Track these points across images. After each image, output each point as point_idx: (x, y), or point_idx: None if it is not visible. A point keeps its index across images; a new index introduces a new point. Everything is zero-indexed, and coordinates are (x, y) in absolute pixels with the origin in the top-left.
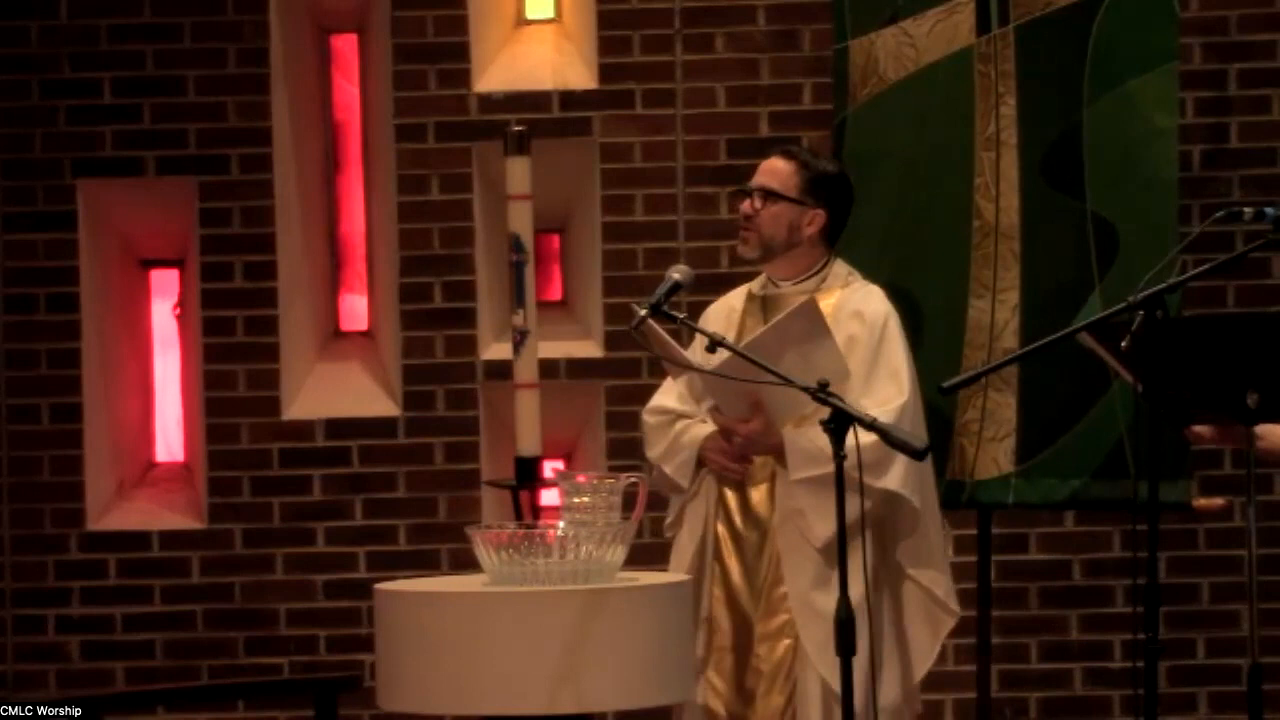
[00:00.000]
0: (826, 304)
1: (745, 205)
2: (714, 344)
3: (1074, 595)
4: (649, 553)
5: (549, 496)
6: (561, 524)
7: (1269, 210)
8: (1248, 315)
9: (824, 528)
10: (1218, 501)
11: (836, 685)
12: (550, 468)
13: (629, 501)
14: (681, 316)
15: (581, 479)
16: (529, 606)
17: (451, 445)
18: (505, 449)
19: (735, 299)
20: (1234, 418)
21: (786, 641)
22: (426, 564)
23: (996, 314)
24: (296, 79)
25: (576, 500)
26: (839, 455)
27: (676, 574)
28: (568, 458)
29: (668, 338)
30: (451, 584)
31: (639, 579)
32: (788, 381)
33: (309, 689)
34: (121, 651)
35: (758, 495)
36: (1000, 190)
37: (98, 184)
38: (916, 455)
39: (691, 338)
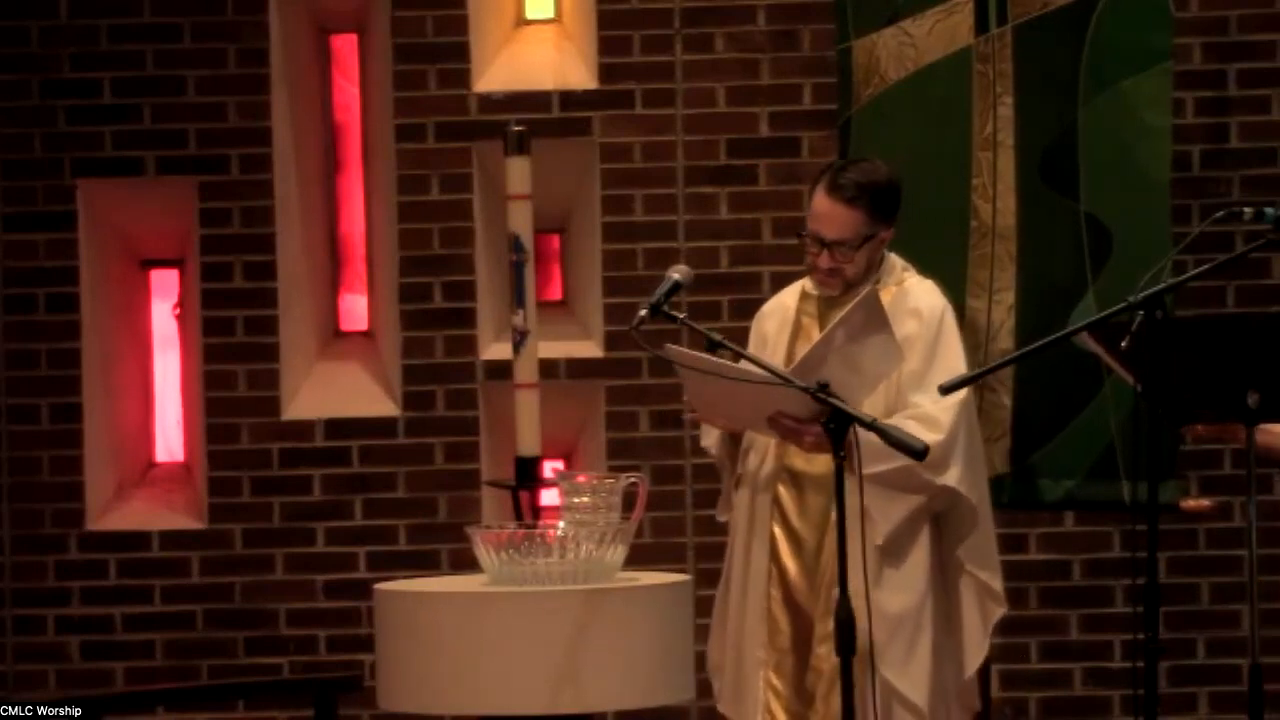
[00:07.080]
0: (883, 299)
1: (823, 261)
2: (713, 344)
3: (1074, 595)
4: (649, 553)
5: (549, 496)
6: (561, 524)
7: (1269, 210)
8: (1247, 315)
9: (886, 525)
10: (1205, 503)
11: (898, 684)
12: (550, 468)
13: (629, 501)
14: (681, 316)
15: (581, 479)
16: (529, 606)
17: (451, 445)
18: (505, 449)
19: (789, 296)
20: (1234, 418)
21: None
22: (426, 564)
23: (993, 314)
24: (296, 79)
25: (576, 500)
26: (838, 455)
27: (676, 574)
28: (568, 458)
29: (700, 355)
30: (451, 584)
31: (639, 579)
32: (787, 381)
33: (309, 689)
34: (121, 651)
35: (816, 495)
36: (997, 191)
37: (98, 184)
38: (916, 455)
39: (692, 338)
